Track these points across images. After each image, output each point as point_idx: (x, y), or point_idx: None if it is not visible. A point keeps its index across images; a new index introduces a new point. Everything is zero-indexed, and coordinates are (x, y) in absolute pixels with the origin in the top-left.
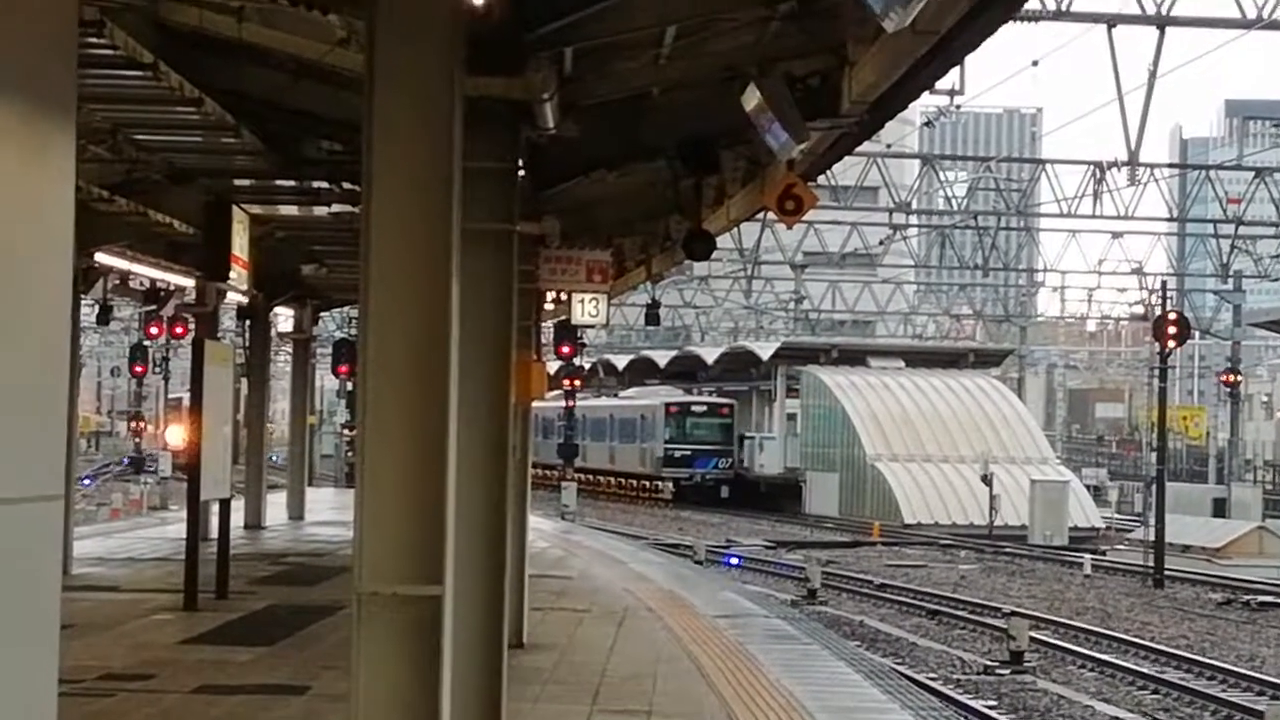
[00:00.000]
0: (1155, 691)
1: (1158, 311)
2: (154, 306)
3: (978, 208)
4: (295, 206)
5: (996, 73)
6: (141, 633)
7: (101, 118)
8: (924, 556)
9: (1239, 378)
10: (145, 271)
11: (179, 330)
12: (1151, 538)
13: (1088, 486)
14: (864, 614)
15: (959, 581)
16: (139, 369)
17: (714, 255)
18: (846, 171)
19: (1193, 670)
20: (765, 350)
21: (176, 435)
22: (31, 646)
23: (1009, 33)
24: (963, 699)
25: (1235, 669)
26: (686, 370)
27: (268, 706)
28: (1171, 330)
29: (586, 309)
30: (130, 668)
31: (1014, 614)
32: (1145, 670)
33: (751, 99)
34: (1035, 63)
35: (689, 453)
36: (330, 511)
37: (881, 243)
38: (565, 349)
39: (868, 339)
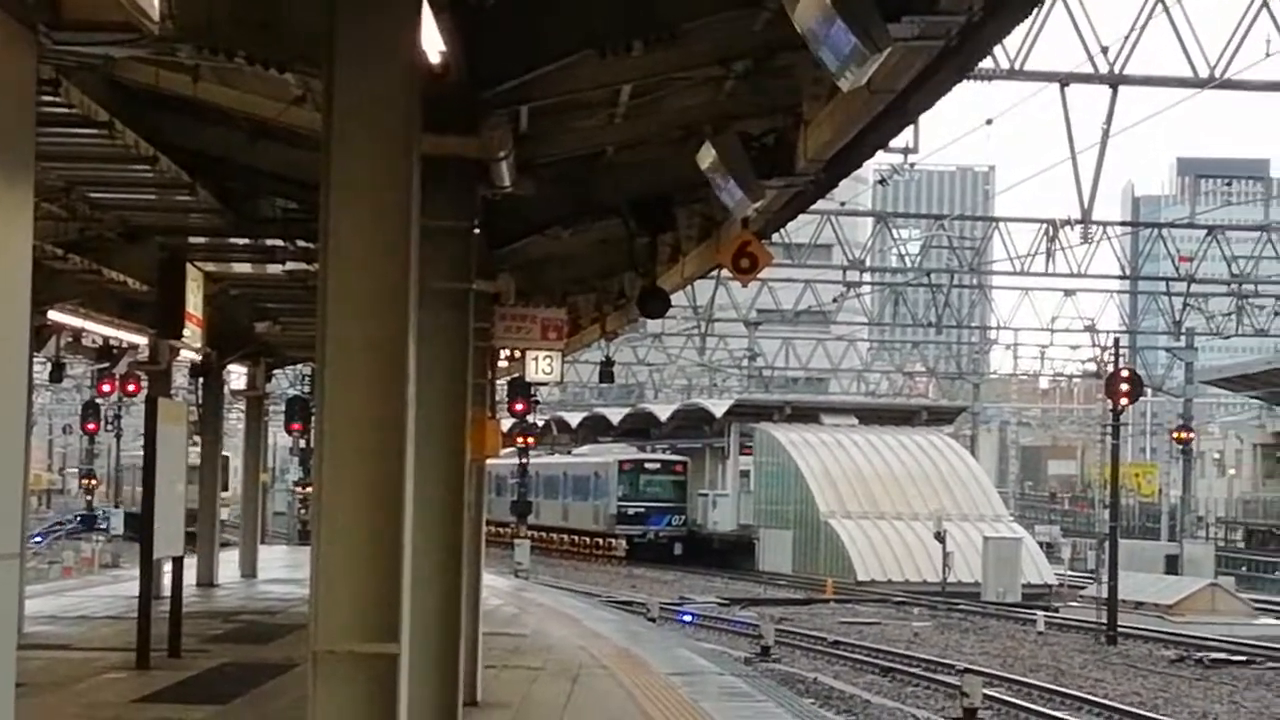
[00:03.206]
0: None
1: (1110, 369)
2: (107, 364)
3: (931, 265)
4: (249, 264)
5: (950, 131)
6: (94, 691)
7: (56, 176)
8: (878, 614)
9: (1191, 435)
10: (98, 329)
11: (131, 387)
12: (1104, 594)
13: (1040, 543)
14: (818, 671)
15: (912, 639)
16: (91, 426)
17: (668, 312)
18: (800, 229)
19: None
20: (719, 407)
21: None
22: None
23: (963, 91)
24: None
25: None
26: (640, 427)
27: None
28: (1124, 387)
29: (541, 366)
30: None
31: (968, 671)
32: None
33: (706, 157)
34: (989, 121)
35: (642, 510)
36: (283, 569)
37: (835, 300)
38: (519, 406)
39: (821, 396)
